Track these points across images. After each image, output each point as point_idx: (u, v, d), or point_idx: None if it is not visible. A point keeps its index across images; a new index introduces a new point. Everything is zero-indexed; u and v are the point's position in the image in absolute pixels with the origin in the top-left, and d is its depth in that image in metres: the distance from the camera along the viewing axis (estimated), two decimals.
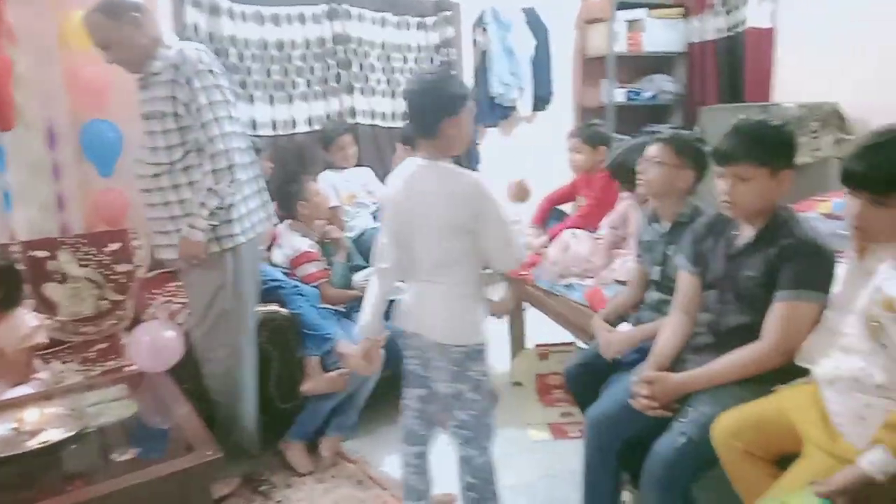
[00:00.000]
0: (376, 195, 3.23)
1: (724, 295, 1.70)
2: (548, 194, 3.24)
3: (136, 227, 2.76)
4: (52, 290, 2.57)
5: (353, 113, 3.60)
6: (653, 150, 2.01)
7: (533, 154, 4.18)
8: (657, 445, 1.59)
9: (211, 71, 2.04)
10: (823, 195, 2.56)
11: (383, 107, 3.75)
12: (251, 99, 3.28)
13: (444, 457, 1.90)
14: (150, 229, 2.19)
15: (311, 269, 2.65)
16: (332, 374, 2.44)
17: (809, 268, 1.54)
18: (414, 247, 1.72)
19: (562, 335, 2.91)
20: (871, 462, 1.24)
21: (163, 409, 1.94)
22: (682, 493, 1.58)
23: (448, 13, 3.94)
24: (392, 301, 1.89)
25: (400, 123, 3.72)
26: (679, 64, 4.57)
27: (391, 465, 2.28)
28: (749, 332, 1.60)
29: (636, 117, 4.41)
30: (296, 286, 2.54)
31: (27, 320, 2.11)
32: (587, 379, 2.06)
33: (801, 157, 3.21)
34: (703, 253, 1.78)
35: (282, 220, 2.80)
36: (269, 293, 2.49)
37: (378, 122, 3.74)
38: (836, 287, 1.52)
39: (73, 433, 1.66)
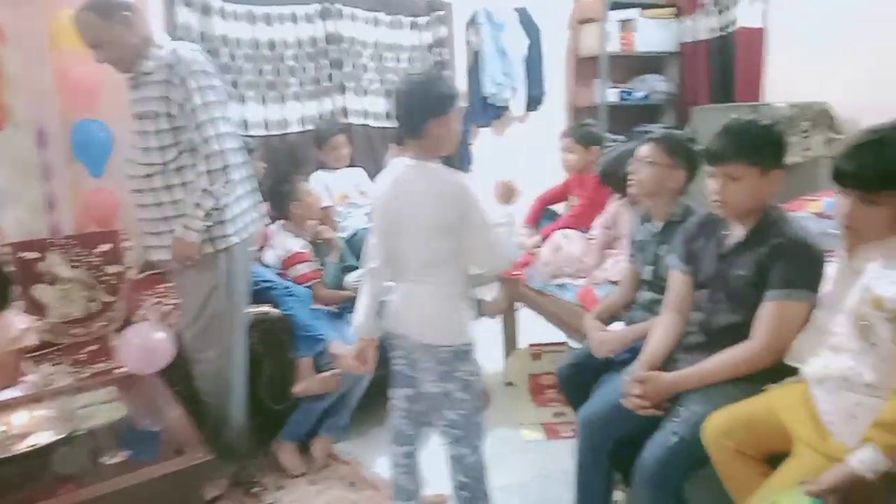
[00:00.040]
0: (369, 195, 3.22)
1: (715, 294, 1.70)
2: (540, 194, 3.24)
3: (126, 228, 2.74)
4: (41, 291, 2.55)
5: (345, 113, 3.60)
6: (644, 150, 2.01)
7: (526, 154, 4.18)
8: (649, 445, 1.59)
9: (205, 71, 2.04)
10: (814, 194, 2.57)
11: (376, 107, 3.75)
12: (243, 99, 3.27)
13: (435, 458, 1.90)
14: (141, 230, 2.18)
15: (303, 269, 2.65)
16: (324, 374, 2.43)
17: (799, 267, 1.55)
18: (401, 247, 1.72)
19: (555, 335, 2.92)
20: (861, 460, 1.25)
21: (153, 411, 1.93)
22: (674, 493, 1.58)
23: (441, 13, 3.93)
24: (385, 301, 1.89)
25: (393, 123, 3.71)
26: (671, 64, 4.59)
27: (384, 466, 2.28)
28: (740, 332, 1.61)
29: (628, 117, 4.41)
30: (287, 287, 2.53)
31: (16, 322, 2.09)
32: (579, 379, 2.06)
33: (792, 157, 3.23)
34: (695, 252, 1.78)
35: (273, 220, 2.79)
36: (261, 294, 2.48)
37: (371, 122, 3.73)
38: (826, 286, 1.52)
39: (62, 436, 1.65)
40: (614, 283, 2.38)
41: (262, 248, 2.74)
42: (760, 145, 1.60)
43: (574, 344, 2.70)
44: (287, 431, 2.46)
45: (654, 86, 4.55)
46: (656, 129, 2.06)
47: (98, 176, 2.77)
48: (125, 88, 2.11)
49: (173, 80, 1.99)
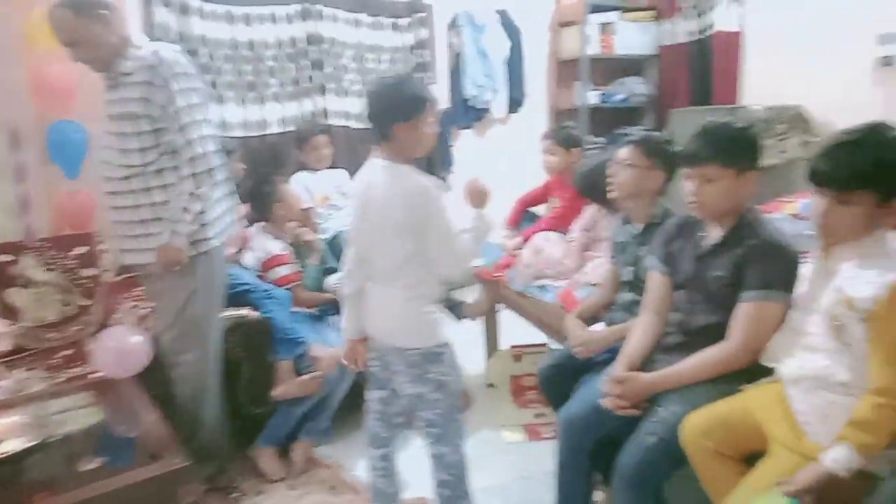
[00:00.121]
0: (350, 197, 3.21)
1: (692, 295, 1.72)
2: (521, 196, 3.25)
3: (103, 231, 2.70)
4: (15, 295, 2.50)
5: (326, 114, 3.58)
6: (623, 152, 2.03)
7: (507, 156, 4.20)
8: (628, 445, 1.60)
9: (187, 73, 2.02)
10: (790, 196, 2.60)
11: (357, 108, 3.74)
12: (222, 99, 3.24)
13: (416, 460, 1.89)
14: (116, 233, 2.15)
15: (283, 271, 2.63)
16: (304, 377, 2.41)
17: (774, 269, 1.56)
18: (370, 248, 1.74)
19: (536, 336, 2.92)
20: (835, 459, 1.26)
21: (130, 416, 1.91)
22: (653, 493, 1.60)
23: (422, 15, 3.94)
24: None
25: None
26: (651, 66, 4.63)
27: (364, 469, 2.27)
28: (718, 332, 1.63)
29: (609, 119, 4.45)
30: (267, 290, 2.51)
31: None
32: (560, 380, 2.07)
33: (769, 159, 3.28)
34: (673, 254, 1.80)
35: (252, 222, 2.77)
36: (240, 297, 2.45)
37: (352, 123, 3.72)
38: (801, 287, 1.54)
39: (35, 443, 1.62)
40: (595, 285, 2.39)
41: (240, 250, 2.72)
42: (735, 147, 1.62)
43: (555, 345, 2.71)
44: (266, 435, 2.44)
45: (633, 88, 4.59)
46: (635, 132, 2.07)
47: (74, 178, 2.72)
48: (102, 89, 2.08)
49: (155, 81, 1.97)
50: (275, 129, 3.44)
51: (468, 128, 4.35)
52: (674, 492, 1.62)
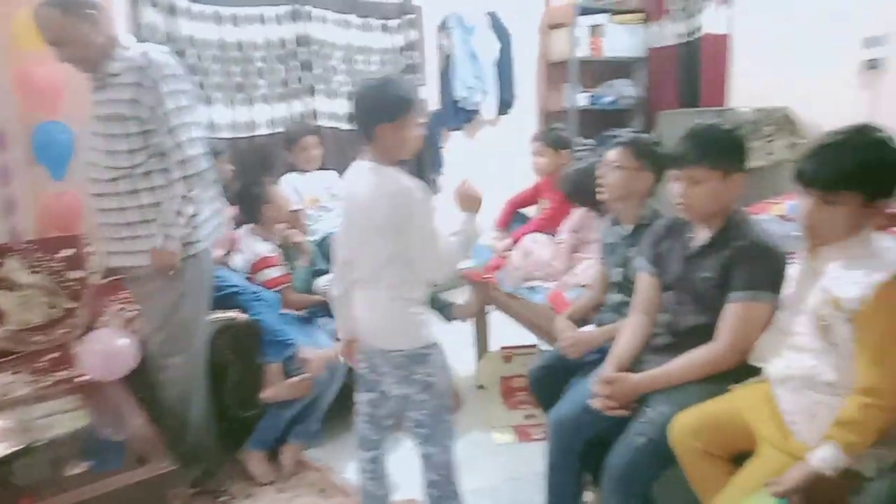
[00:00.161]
0: (340, 199, 3.20)
1: (681, 296, 1.73)
2: (511, 197, 3.26)
3: (89, 232, 2.68)
4: (0, 298, 2.47)
5: (315, 115, 3.57)
6: (612, 154, 2.03)
7: (497, 157, 4.21)
8: (617, 445, 1.61)
9: (176, 75, 2.01)
10: (777, 198, 2.63)
11: (347, 109, 3.72)
12: (210, 100, 3.23)
13: (406, 462, 1.89)
14: (101, 235, 2.13)
15: (272, 273, 2.62)
16: (293, 380, 2.40)
17: (761, 270, 1.57)
18: (355, 249, 1.73)
19: (526, 338, 2.93)
20: (822, 459, 1.27)
21: (117, 419, 1.89)
22: (642, 493, 1.60)
23: (412, 16, 3.94)
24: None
25: None
26: (639, 68, 4.65)
27: (354, 472, 2.26)
28: (707, 333, 1.63)
29: (598, 121, 4.46)
30: (256, 292, 2.50)
31: None
32: (550, 381, 2.07)
33: (756, 161, 3.31)
34: (661, 255, 1.81)
35: (240, 224, 2.75)
36: (228, 299, 2.44)
37: (342, 124, 3.71)
38: (788, 288, 1.55)
39: (20, 447, 1.60)
40: (584, 286, 2.40)
41: (229, 252, 2.70)
42: (722, 149, 1.63)
43: (545, 346, 2.71)
44: (255, 438, 2.42)
45: (622, 90, 4.62)
46: (624, 134, 2.08)
47: (60, 179, 2.70)
48: (88, 89, 2.06)
49: (144, 82, 1.95)
50: (263, 131, 3.43)
51: (458, 129, 4.36)
52: (663, 492, 1.63)
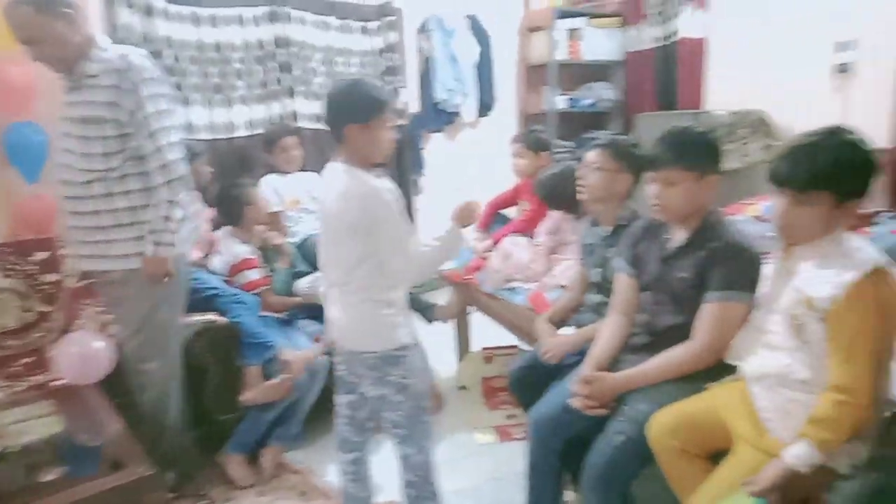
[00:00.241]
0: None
1: (658, 296, 1.75)
2: (491, 199, 3.27)
3: (64, 235, 2.64)
4: None
5: (295, 117, 3.55)
6: (591, 155, 2.05)
7: (477, 159, 4.23)
8: (596, 444, 1.62)
9: (155, 78, 1.99)
10: (752, 199, 2.67)
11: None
12: (187, 101, 3.19)
13: (390, 464, 1.89)
14: (73, 238, 2.09)
15: (251, 276, 2.60)
16: (273, 381, 2.38)
17: (737, 269, 1.60)
18: (327, 251, 1.73)
19: (507, 338, 2.94)
20: (796, 456, 1.30)
21: (92, 424, 1.86)
22: (622, 492, 1.61)
23: (391, 18, 3.93)
24: None
25: None
26: (617, 72, 4.70)
27: (336, 474, 2.25)
28: (684, 332, 1.66)
29: (577, 124, 4.50)
30: (235, 294, 2.48)
31: None
32: (531, 381, 2.08)
33: (732, 163, 3.36)
34: (639, 255, 1.83)
35: (218, 226, 2.73)
36: (207, 301, 2.42)
37: (322, 126, 3.69)
38: (763, 287, 1.58)
39: None
40: (563, 287, 2.41)
41: (207, 254, 2.68)
42: (696, 151, 1.66)
43: (525, 347, 2.73)
44: (235, 442, 2.40)
45: (600, 93, 4.66)
46: (602, 136, 2.10)
47: (33, 181, 2.65)
48: (62, 90, 2.03)
49: (123, 85, 1.93)
50: (242, 132, 3.40)
51: (438, 131, 4.37)
52: (642, 490, 1.64)
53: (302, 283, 2.77)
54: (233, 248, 2.64)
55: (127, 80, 1.93)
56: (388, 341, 1.68)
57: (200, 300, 2.38)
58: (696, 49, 4.03)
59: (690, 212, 1.68)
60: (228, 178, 2.87)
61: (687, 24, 4.05)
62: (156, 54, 2.97)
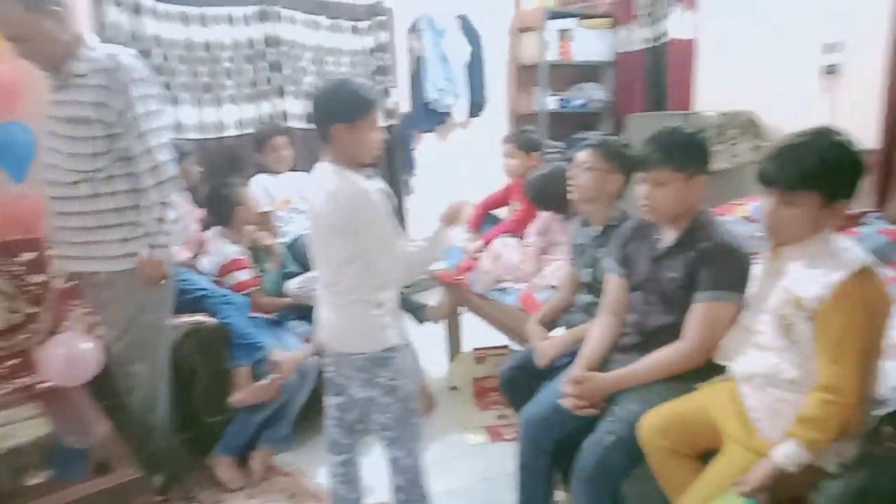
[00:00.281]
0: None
1: (648, 296, 1.75)
2: (482, 199, 3.27)
3: (51, 236, 2.61)
4: None
5: (285, 116, 3.54)
6: (582, 155, 2.06)
7: (468, 159, 4.23)
8: (586, 444, 1.63)
9: (144, 79, 1.97)
10: (742, 199, 2.69)
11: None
12: (176, 101, 3.17)
13: (380, 466, 1.88)
14: (58, 238, 2.07)
15: (240, 276, 2.58)
16: (262, 382, 2.37)
17: (726, 270, 1.61)
18: (315, 251, 1.73)
19: (498, 339, 2.94)
20: (785, 455, 1.31)
21: (79, 427, 1.85)
22: (612, 491, 1.62)
23: (382, 18, 3.93)
24: None
25: None
26: (608, 72, 4.71)
27: (326, 476, 2.25)
28: (673, 332, 1.66)
29: (567, 124, 4.52)
30: (224, 295, 2.46)
31: None
32: (522, 381, 2.08)
33: (721, 164, 3.38)
34: (629, 256, 1.83)
35: (208, 226, 2.71)
36: (196, 302, 2.40)
37: (312, 125, 3.68)
38: (752, 287, 1.59)
39: None
40: (554, 287, 2.42)
41: (197, 255, 2.66)
42: (685, 152, 1.66)
43: (516, 347, 2.73)
44: (224, 444, 2.39)
45: (591, 94, 4.67)
46: (593, 136, 2.11)
47: (20, 181, 2.63)
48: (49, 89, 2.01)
49: (112, 85, 1.91)
50: (232, 132, 3.38)
51: (429, 131, 4.36)
52: (632, 490, 1.65)
53: (292, 284, 2.76)
54: (222, 249, 2.62)
55: (116, 80, 1.91)
56: (376, 342, 1.67)
57: (189, 301, 2.36)
58: (685, 50, 4.04)
59: (680, 212, 1.68)
60: (218, 178, 2.86)
61: (676, 25, 4.07)
62: (144, 53, 2.95)
